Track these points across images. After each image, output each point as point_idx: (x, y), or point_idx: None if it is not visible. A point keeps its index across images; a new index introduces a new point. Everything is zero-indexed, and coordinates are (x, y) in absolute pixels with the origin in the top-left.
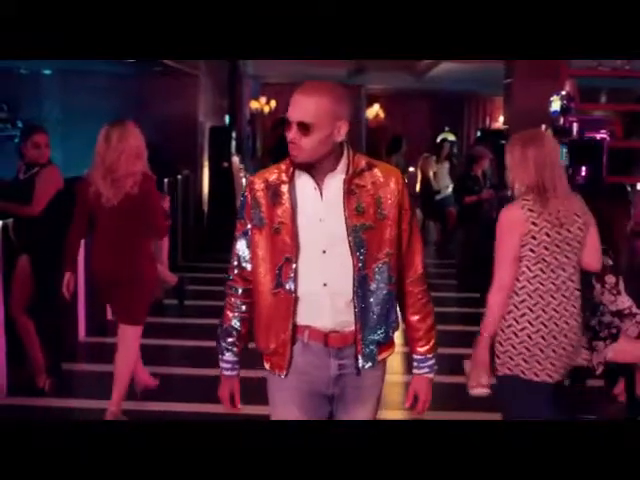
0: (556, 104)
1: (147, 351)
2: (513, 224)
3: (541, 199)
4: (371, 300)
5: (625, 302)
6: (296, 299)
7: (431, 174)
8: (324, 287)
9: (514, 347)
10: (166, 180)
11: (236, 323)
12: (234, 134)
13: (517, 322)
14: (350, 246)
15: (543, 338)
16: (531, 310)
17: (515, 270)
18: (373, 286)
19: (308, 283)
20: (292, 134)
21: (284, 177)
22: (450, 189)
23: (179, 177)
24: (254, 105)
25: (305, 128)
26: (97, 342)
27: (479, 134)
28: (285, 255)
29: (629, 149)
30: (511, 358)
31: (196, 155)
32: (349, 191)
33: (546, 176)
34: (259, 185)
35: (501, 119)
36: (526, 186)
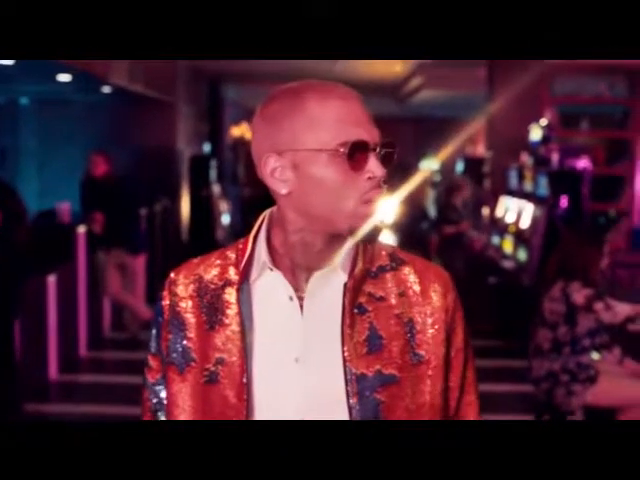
0: (536, 133)
1: (122, 389)
2: None
3: None
4: None
5: (625, 308)
6: None
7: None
8: None
9: None
10: (144, 210)
11: None
12: (214, 162)
13: None
14: (352, 418)
15: None
16: None
17: None
18: None
19: None
20: None
21: (232, 274)
22: (433, 217)
23: (157, 207)
24: (236, 132)
25: None
26: (69, 380)
27: (460, 163)
28: None
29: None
30: None
31: (175, 184)
32: (355, 307)
33: None
34: (185, 288)
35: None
36: None
